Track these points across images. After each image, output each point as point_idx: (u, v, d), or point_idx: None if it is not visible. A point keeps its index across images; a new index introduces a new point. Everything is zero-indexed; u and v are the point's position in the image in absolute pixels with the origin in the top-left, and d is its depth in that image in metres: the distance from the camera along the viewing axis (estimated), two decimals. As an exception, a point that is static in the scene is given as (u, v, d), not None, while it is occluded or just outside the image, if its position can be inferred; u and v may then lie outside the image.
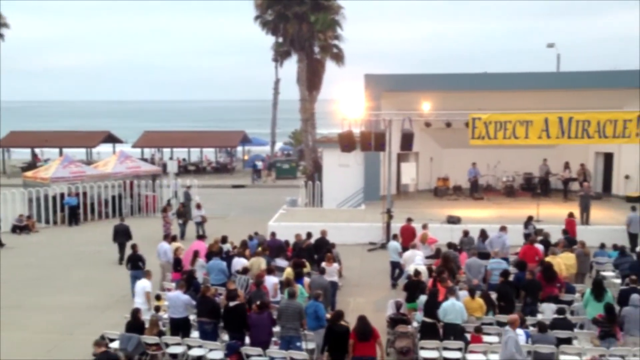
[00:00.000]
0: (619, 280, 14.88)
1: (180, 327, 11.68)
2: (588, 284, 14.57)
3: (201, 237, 18.23)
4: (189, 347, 11.19)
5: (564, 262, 14.59)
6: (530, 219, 19.33)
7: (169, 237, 17.47)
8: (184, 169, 45.54)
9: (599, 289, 12.01)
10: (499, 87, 25.93)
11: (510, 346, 9.61)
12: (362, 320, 10.25)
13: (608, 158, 28.22)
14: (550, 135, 20.66)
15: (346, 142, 20.98)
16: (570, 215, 19.43)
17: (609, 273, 15.73)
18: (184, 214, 23.56)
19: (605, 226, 21.11)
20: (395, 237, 17.58)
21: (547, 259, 14.41)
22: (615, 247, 16.89)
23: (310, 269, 15.05)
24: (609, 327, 11.08)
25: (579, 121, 20.41)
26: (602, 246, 17.30)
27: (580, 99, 24.68)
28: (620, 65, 27.96)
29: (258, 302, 11.14)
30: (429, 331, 11.35)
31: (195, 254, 15.15)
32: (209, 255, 15.37)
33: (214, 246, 15.80)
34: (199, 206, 24.10)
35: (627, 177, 26.91)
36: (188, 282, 12.66)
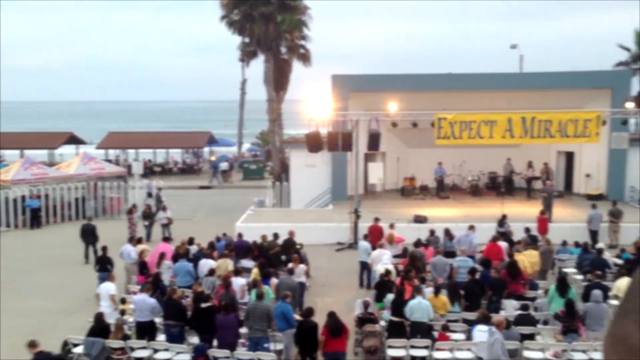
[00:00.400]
0: (580, 277, 15.21)
1: (146, 330, 11.54)
2: (550, 280, 14.90)
3: (167, 239, 18.04)
4: (155, 351, 11.06)
5: (527, 260, 14.86)
6: (504, 217, 19.61)
7: (134, 239, 17.26)
8: (150, 170, 45.00)
9: (563, 285, 12.27)
10: (463, 88, 26.28)
11: (497, 348, 9.74)
12: (333, 317, 10.56)
13: (569, 157, 28.81)
14: (514, 134, 21.02)
15: (313, 143, 21.00)
16: (542, 212, 19.84)
17: (570, 270, 16.06)
18: (150, 215, 23.29)
19: (567, 224, 21.53)
20: (365, 237, 17.66)
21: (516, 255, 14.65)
22: (577, 244, 17.26)
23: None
24: (570, 323, 11.33)
25: (542, 121, 20.81)
26: (564, 243, 17.67)
27: (543, 99, 25.18)
28: (581, 67, 28.58)
29: (223, 303, 11.10)
30: (396, 330, 11.43)
31: (162, 256, 14.99)
32: (176, 257, 15.23)
33: (181, 248, 15.67)
34: (164, 208, 23.84)
35: (587, 175, 27.50)
36: (154, 285, 12.52)
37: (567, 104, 23.68)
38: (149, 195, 28.73)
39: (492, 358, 9.77)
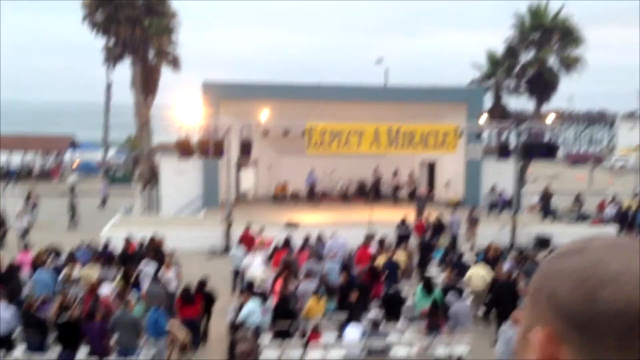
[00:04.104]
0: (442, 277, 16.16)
1: (2, 343, 10.72)
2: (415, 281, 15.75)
3: (25, 247, 16.89)
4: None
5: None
6: (404, 220, 20.67)
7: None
8: (6, 175, 41.67)
9: (428, 286, 13.00)
10: (333, 98, 27.00)
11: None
12: (186, 290, 12.30)
13: (431, 166, 30.57)
14: (381, 145, 21.96)
15: (184, 149, 20.66)
16: (420, 218, 21.11)
17: (433, 272, 17.02)
18: (1, 223, 21.64)
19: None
20: (239, 243, 17.56)
21: (380, 259, 15.31)
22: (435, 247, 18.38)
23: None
24: (433, 321, 12.02)
25: (405, 132, 21.92)
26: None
27: (406, 112, 26.45)
28: (440, 82, 30.53)
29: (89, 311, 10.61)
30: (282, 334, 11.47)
31: (19, 266, 14.02)
32: (35, 267, 14.30)
33: (40, 257, 14.73)
34: (21, 214, 22.22)
35: (447, 184, 29.30)
36: (11, 295, 11.67)
37: (428, 116, 25.09)
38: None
39: (509, 354, 10.30)
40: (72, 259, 15.16)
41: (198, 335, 12.40)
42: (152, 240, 17.11)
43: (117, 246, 17.27)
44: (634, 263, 0.80)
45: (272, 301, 12.56)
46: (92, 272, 14.00)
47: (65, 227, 25.89)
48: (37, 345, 10.63)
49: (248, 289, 12.14)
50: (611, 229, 23.88)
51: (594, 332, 0.78)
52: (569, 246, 0.89)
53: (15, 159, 47.57)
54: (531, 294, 0.88)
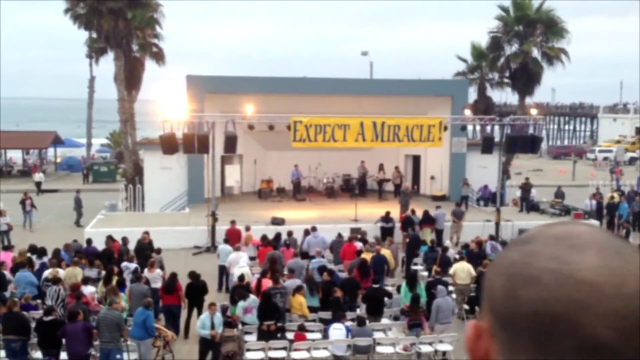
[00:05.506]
0: (426, 273, 16.20)
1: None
2: (399, 278, 15.78)
3: (7, 247, 16.67)
4: (-6, 370, 10.19)
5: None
6: (388, 213, 20.94)
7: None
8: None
9: (413, 281, 13.02)
10: (318, 92, 26.90)
11: None
12: (172, 277, 13.10)
13: (416, 160, 30.57)
14: (366, 138, 21.91)
15: (168, 145, 20.44)
16: (404, 213, 21.40)
17: (418, 267, 17.06)
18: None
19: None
20: (227, 241, 17.45)
21: (363, 255, 15.27)
22: (424, 242, 18.40)
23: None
24: (414, 317, 12.04)
25: (391, 126, 21.89)
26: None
27: (391, 105, 26.45)
28: (425, 74, 30.54)
29: (69, 310, 10.50)
30: (269, 335, 11.38)
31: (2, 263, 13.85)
32: (16, 267, 14.12)
33: (21, 257, 14.56)
34: (2, 213, 21.96)
35: (432, 177, 29.34)
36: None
37: (413, 109, 25.05)
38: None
39: None
40: (57, 257, 15.01)
41: (178, 325, 13.04)
42: (140, 240, 17.04)
43: (101, 244, 17.09)
44: (573, 257, 0.75)
45: (258, 299, 12.49)
46: (76, 271, 13.85)
47: (54, 225, 25.65)
48: (18, 349, 10.50)
49: (212, 304, 12.01)
50: (593, 222, 24.11)
51: (514, 330, 0.76)
52: (524, 234, 0.84)
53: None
54: (483, 284, 0.85)
